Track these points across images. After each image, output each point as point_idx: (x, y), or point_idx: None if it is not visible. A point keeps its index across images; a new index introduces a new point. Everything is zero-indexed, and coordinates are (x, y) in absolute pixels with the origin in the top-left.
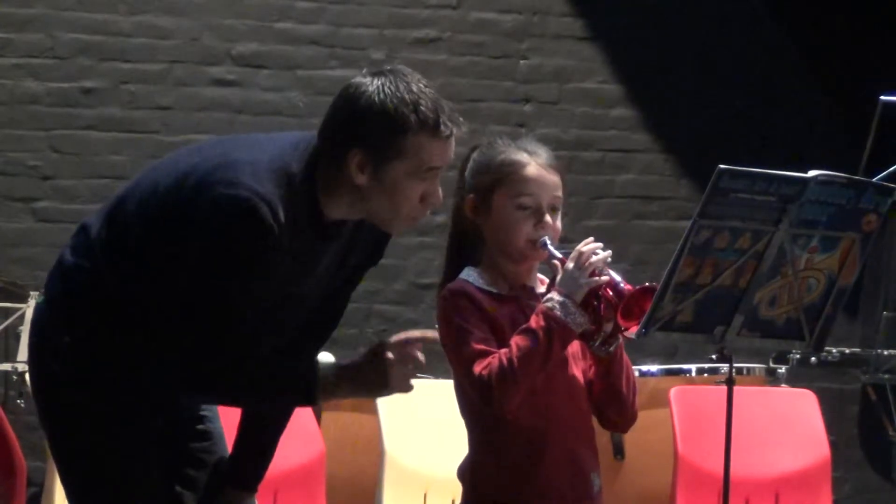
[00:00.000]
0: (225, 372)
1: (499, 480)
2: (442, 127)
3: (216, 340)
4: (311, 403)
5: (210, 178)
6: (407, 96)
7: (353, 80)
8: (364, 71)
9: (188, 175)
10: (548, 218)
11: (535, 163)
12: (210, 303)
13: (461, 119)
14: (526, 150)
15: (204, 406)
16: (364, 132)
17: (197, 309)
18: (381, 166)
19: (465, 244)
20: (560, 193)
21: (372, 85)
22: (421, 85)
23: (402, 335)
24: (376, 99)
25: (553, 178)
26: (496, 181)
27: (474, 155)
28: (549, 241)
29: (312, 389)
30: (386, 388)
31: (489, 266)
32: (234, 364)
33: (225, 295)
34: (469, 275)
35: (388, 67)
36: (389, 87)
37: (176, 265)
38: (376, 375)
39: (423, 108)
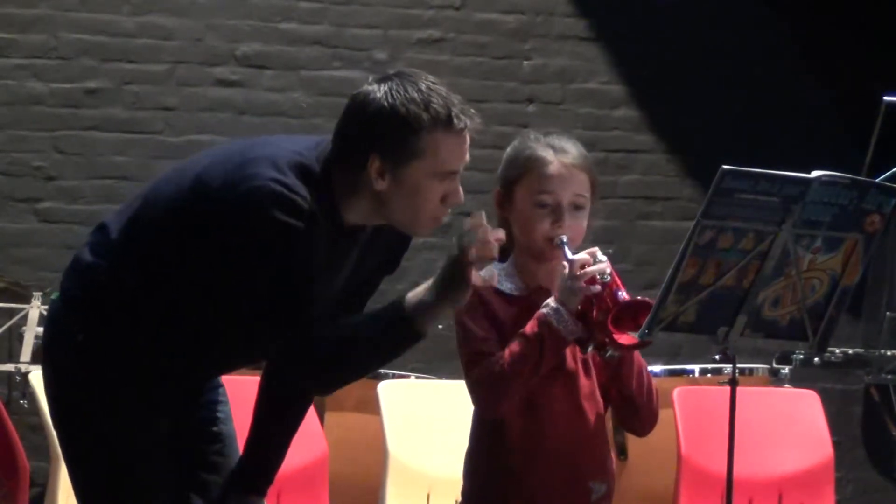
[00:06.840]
0: (330, 348)
1: (491, 480)
2: (455, 120)
3: (301, 325)
4: (415, 333)
5: (232, 177)
6: (417, 96)
7: (360, 89)
8: (370, 79)
9: (211, 180)
10: (567, 217)
11: (558, 161)
12: (276, 295)
13: (473, 112)
14: (552, 147)
15: (218, 408)
16: (379, 137)
17: (270, 310)
18: (399, 169)
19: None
20: (585, 192)
21: (380, 90)
22: (429, 82)
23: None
24: (386, 103)
25: (578, 177)
26: (519, 176)
27: (508, 149)
28: (565, 242)
29: (411, 319)
30: (466, 285)
31: (513, 262)
32: (333, 337)
33: (288, 279)
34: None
35: (394, 71)
36: (398, 90)
37: (217, 270)
38: (458, 271)
39: (434, 104)
